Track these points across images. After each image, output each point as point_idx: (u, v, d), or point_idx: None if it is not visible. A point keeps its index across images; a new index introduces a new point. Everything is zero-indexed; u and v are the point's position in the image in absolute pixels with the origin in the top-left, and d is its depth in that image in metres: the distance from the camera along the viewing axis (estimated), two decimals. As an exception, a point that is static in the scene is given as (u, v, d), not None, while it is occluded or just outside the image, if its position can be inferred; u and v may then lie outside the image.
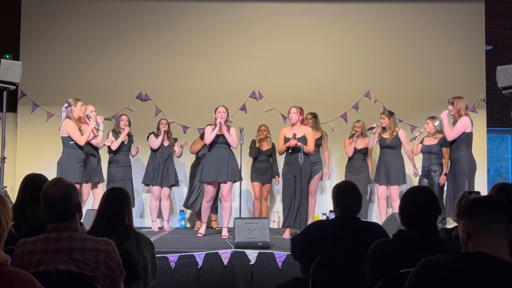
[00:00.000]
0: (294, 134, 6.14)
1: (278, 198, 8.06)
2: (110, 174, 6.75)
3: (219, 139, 6.17)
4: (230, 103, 7.38)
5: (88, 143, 6.19)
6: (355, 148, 7.03)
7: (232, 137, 6.17)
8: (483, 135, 7.95)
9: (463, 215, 1.80)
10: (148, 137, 7.08)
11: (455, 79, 8.02)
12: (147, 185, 7.11)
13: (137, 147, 7.06)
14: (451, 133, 5.93)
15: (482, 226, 1.73)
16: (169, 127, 7.13)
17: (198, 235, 6.26)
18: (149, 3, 8.24)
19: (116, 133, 6.85)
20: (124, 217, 3.08)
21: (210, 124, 6.25)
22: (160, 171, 6.93)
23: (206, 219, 6.40)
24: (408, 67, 8.18)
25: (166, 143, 7.02)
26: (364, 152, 7.06)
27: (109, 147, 6.75)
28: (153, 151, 6.99)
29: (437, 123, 6.36)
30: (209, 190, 6.22)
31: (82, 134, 6.02)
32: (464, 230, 1.77)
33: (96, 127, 6.21)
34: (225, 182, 6.14)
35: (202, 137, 7.32)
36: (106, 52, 8.13)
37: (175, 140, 7.17)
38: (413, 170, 6.89)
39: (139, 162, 7.67)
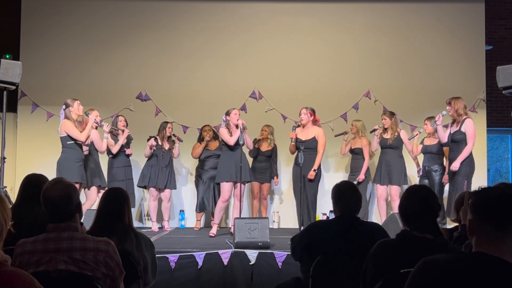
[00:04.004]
0: (294, 127, 6.44)
1: (278, 198, 8.07)
2: (111, 174, 6.74)
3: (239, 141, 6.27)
4: (230, 103, 7.39)
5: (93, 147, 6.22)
6: (350, 148, 7.12)
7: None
8: (483, 135, 7.95)
9: (475, 212, 1.73)
10: (148, 139, 7.02)
11: (455, 79, 8.01)
12: (143, 187, 7.09)
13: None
14: (470, 145, 5.90)
15: (491, 232, 1.68)
16: (172, 130, 7.12)
17: (211, 235, 6.23)
18: (149, 3, 8.23)
19: (114, 135, 6.79)
20: (124, 217, 3.08)
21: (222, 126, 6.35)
22: (164, 174, 6.91)
23: (219, 220, 6.41)
24: (408, 67, 8.18)
25: (166, 147, 7.02)
26: (357, 152, 7.09)
27: (108, 150, 6.74)
28: (155, 153, 6.97)
29: (433, 123, 6.38)
30: (225, 189, 6.24)
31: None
32: (470, 226, 1.73)
33: (96, 122, 6.22)
34: (244, 183, 6.25)
35: (199, 140, 7.35)
36: (106, 52, 8.13)
37: (180, 140, 7.15)
38: (416, 169, 6.85)
39: (136, 163, 7.67)
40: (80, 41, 8.11)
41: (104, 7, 8.23)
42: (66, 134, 5.96)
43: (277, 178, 7.54)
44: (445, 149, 6.61)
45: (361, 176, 6.99)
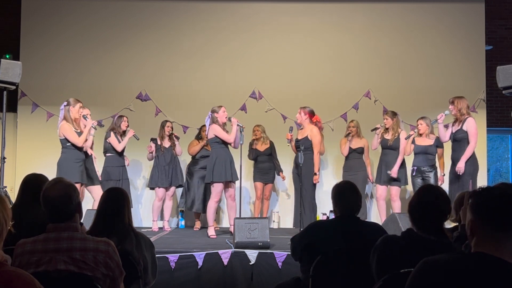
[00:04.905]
0: (291, 128, 6.48)
1: (278, 198, 8.07)
2: (106, 173, 6.66)
3: None
4: (230, 103, 7.41)
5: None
6: (350, 148, 7.07)
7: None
8: (483, 135, 7.95)
9: (475, 212, 1.70)
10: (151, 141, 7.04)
11: (455, 79, 8.01)
12: (152, 188, 7.08)
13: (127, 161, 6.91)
14: (472, 143, 5.89)
15: (491, 233, 1.67)
16: (172, 129, 7.13)
17: (212, 237, 6.15)
18: (149, 3, 8.24)
19: (116, 133, 6.79)
20: (124, 217, 3.07)
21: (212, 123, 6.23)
22: (167, 173, 6.91)
23: (213, 221, 6.30)
24: (408, 67, 8.18)
25: (167, 145, 7.02)
26: (360, 152, 7.07)
27: (112, 147, 6.69)
28: (156, 154, 6.99)
29: (434, 122, 6.35)
30: (219, 189, 6.13)
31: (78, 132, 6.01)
32: (470, 226, 1.72)
33: (93, 126, 6.18)
34: (234, 182, 6.19)
35: (198, 138, 7.33)
36: (106, 52, 8.13)
37: (177, 138, 7.16)
38: (392, 170, 6.56)
39: (137, 162, 7.67)
40: (80, 41, 8.11)
41: (104, 7, 8.23)
42: (64, 137, 5.95)
43: (283, 173, 7.51)
44: (440, 150, 6.61)
45: (371, 177, 7.05)
